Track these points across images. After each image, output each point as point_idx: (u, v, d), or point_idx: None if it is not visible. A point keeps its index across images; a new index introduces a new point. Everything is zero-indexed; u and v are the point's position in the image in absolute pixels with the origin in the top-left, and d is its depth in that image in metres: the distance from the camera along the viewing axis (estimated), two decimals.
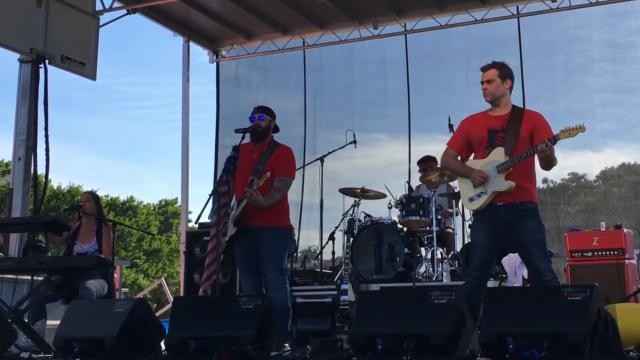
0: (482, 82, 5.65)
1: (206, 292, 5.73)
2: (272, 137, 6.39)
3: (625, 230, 7.92)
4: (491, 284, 7.23)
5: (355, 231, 8.22)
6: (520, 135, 5.49)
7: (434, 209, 8.16)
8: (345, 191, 8.80)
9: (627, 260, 7.75)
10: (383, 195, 8.77)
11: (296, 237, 10.71)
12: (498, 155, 5.51)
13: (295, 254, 8.44)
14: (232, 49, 12.22)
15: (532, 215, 5.46)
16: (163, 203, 38.75)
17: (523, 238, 5.42)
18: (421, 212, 8.16)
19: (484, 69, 5.68)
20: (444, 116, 8.42)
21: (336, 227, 8.76)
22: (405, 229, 8.35)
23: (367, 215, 8.58)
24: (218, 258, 5.80)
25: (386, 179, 9.04)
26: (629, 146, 10.32)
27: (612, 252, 7.75)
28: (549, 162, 5.50)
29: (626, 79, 10.27)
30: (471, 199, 5.63)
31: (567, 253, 8.02)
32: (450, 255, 8.21)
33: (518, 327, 4.38)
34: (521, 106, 6.22)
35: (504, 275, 7.68)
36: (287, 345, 5.83)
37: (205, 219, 6.38)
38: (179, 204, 30.77)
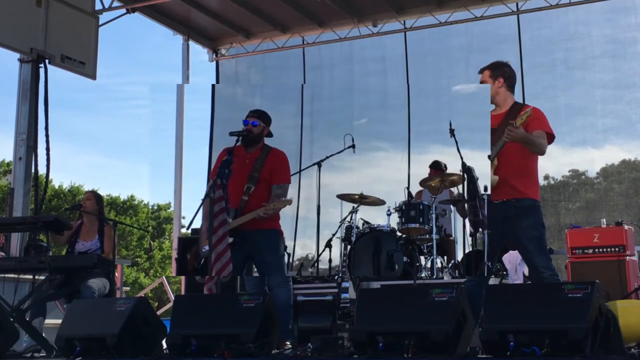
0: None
1: (211, 291, 5.70)
2: (264, 141, 6.23)
3: (626, 227, 7.92)
4: (492, 281, 7.20)
5: (353, 238, 8.02)
6: None
7: (434, 216, 7.93)
8: (343, 197, 8.57)
9: (628, 257, 7.76)
10: (382, 202, 8.53)
11: (293, 245, 10.58)
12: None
13: (289, 261, 8.33)
14: (232, 48, 12.20)
15: (528, 212, 5.41)
16: (156, 208, 38.55)
17: (519, 236, 5.41)
18: (421, 220, 7.92)
19: (480, 72, 5.75)
20: (444, 117, 8.35)
21: (333, 234, 8.56)
22: (404, 236, 8.07)
23: (365, 222, 8.35)
24: (223, 258, 5.74)
25: (385, 185, 8.92)
26: (629, 142, 10.29)
27: (613, 249, 7.76)
28: (531, 146, 5.37)
29: (626, 75, 10.24)
30: None
31: (568, 250, 8.02)
32: (450, 265, 8.03)
33: (519, 324, 4.37)
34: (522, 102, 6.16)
35: (504, 273, 7.65)
36: (288, 343, 5.82)
37: (197, 224, 6.24)
38: (171, 209, 30.56)
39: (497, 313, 4.52)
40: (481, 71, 5.74)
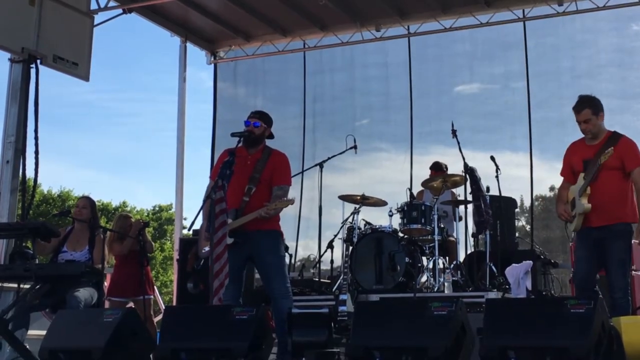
0: (578, 122, 5.96)
1: (221, 301, 5.56)
2: (265, 142, 6.24)
3: (633, 241, 7.70)
4: (494, 295, 7.07)
5: (355, 239, 8.07)
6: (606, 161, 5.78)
7: (436, 216, 7.97)
8: (345, 198, 8.64)
9: (634, 272, 7.56)
10: (384, 203, 8.63)
11: (295, 246, 10.57)
12: (579, 181, 5.94)
13: (291, 262, 8.25)
14: (231, 51, 12.05)
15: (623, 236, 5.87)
16: (157, 209, 38.32)
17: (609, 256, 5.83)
18: (423, 220, 8.00)
19: (578, 110, 5.95)
20: (446, 121, 8.27)
21: (335, 235, 8.65)
22: (406, 237, 8.17)
23: (367, 223, 8.42)
24: (222, 266, 5.58)
25: (387, 186, 8.85)
26: None
27: None
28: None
29: (633, 85, 10.21)
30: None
31: (573, 264, 7.81)
32: (452, 265, 8.02)
33: (520, 339, 4.29)
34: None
35: (507, 287, 7.50)
36: None
37: (199, 226, 6.17)
38: (173, 209, 30.37)
39: (498, 328, 4.43)
40: (579, 109, 5.92)
